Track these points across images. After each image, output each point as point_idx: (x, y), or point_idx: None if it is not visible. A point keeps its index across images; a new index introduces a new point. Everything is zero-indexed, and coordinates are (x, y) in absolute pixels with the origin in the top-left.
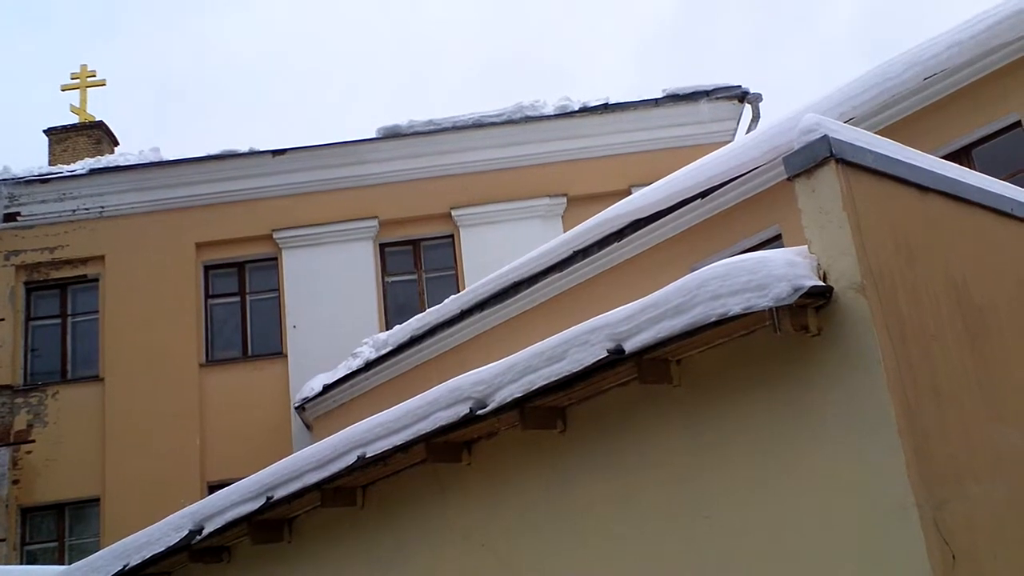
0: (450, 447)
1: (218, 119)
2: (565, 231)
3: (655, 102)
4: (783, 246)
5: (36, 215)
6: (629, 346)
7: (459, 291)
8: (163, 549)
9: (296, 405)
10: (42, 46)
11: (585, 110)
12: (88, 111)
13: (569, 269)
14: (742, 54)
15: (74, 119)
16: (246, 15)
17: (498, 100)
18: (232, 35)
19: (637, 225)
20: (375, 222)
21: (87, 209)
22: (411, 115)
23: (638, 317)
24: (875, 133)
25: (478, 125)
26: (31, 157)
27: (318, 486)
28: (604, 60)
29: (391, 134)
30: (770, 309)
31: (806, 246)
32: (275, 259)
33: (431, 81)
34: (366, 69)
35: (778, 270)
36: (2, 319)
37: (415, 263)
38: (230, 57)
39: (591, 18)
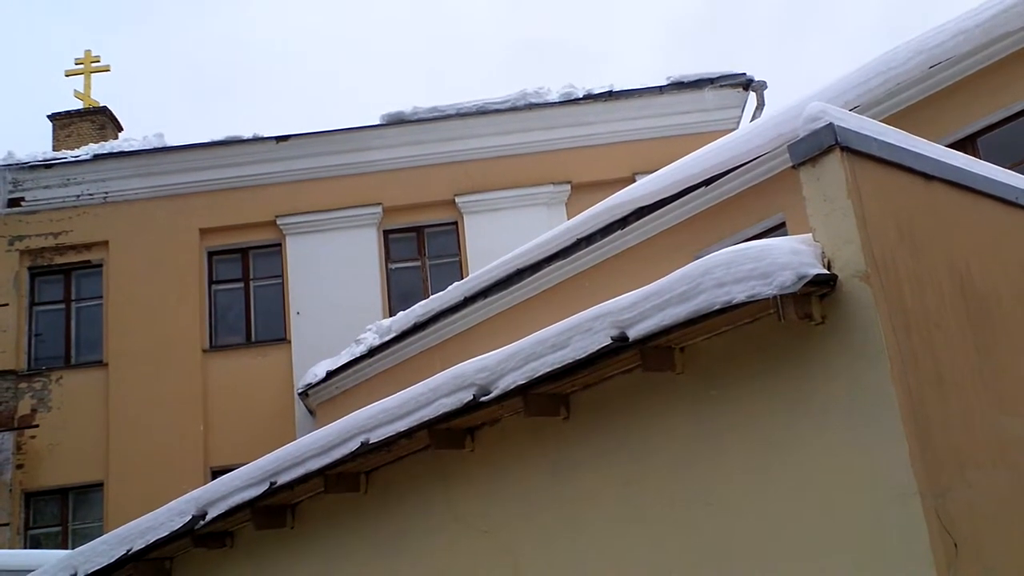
0: (453, 434)
1: (237, 106)
2: (569, 218)
3: (659, 89)
4: (787, 234)
5: (40, 200)
6: (633, 333)
7: (463, 278)
8: (166, 534)
9: (299, 391)
10: (47, 33)
11: (589, 97)
12: (92, 96)
13: (573, 256)
14: (771, 40)
15: (78, 104)
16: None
17: (526, 85)
18: (253, 22)
19: (641, 213)
20: (379, 209)
21: (91, 194)
22: (438, 100)
23: (642, 304)
24: (880, 121)
25: (482, 112)
26: (35, 142)
27: (321, 472)
28: (633, 45)
29: (395, 121)
30: (774, 297)
31: (810, 234)
32: (279, 245)
33: (458, 65)
34: (392, 55)
35: (782, 258)
36: (6, 304)
37: (419, 250)
38: (250, 43)
39: (621, 2)
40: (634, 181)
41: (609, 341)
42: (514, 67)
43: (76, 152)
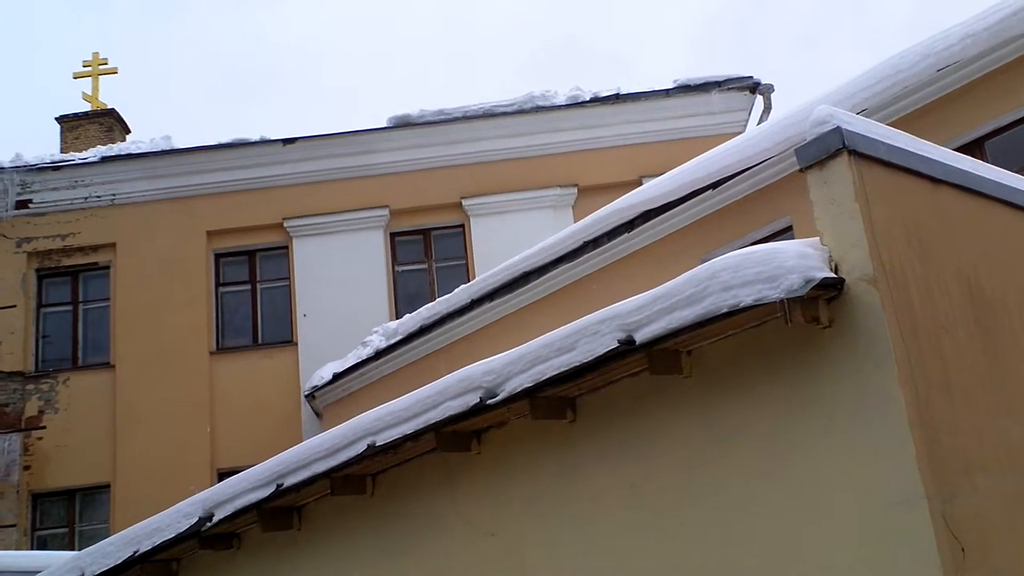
0: (460, 436)
1: (249, 109)
2: (575, 221)
3: (666, 93)
4: (794, 237)
5: (48, 202)
6: (640, 337)
7: (469, 281)
8: (173, 536)
9: (306, 393)
10: (55, 35)
11: (596, 100)
12: (100, 99)
13: (579, 259)
14: (801, 41)
15: (86, 107)
16: (291, 5)
17: (535, 88)
18: (267, 24)
19: (648, 216)
20: (386, 211)
21: (98, 196)
22: (462, 102)
23: (649, 308)
24: (887, 125)
25: (489, 115)
26: (43, 145)
27: (328, 474)
28: (663, 46)
29: (401, 123)
30: (781, 300)
31: (818, 238)
32: (286, 247)
33: (487, 67)
34: (416, 56)
35: (789, 262)
36: (14, 306)
37: (425, 252)
38: (264, 45)
39: (650, 4)
40: (640, 184)
41: (616, 344)
42: (542, 69)
43: (84, 154)
